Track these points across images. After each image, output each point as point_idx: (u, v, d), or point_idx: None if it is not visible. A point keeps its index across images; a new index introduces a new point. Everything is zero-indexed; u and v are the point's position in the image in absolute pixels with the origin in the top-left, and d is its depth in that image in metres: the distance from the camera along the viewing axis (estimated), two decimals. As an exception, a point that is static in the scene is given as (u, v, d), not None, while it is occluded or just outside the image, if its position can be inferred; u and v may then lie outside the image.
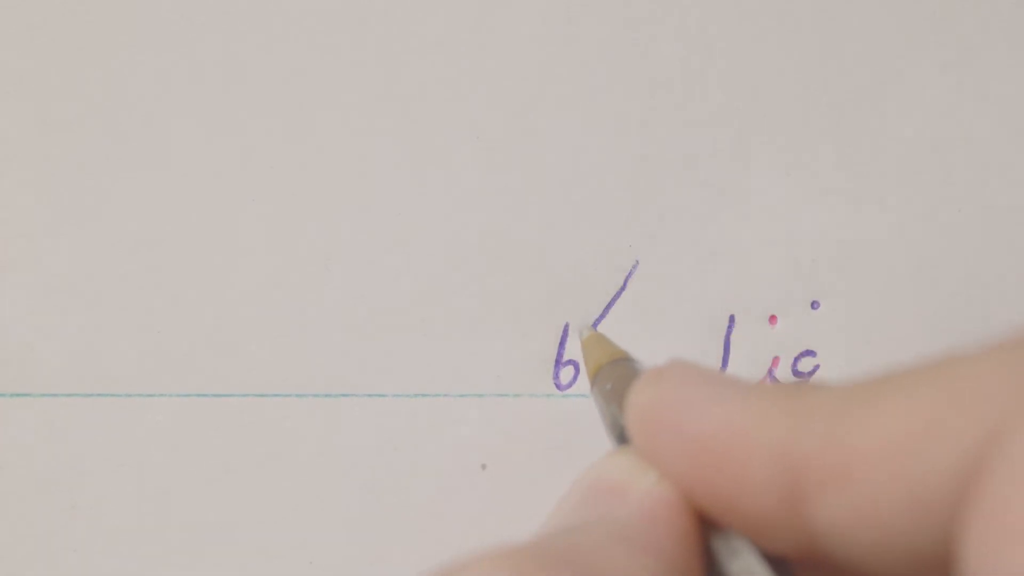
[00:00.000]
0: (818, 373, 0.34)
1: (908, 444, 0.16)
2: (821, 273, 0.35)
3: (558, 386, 0.34)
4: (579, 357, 0.34)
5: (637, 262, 0.35)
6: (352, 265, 0.35)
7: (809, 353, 0.35)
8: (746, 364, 0.34)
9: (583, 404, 0.35)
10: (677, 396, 0.20)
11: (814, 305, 0.34)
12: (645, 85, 0.35)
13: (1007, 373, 0.15)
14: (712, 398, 0.19)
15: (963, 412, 0.15)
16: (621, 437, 0.24)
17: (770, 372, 0.34)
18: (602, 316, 0.34)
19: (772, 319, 0.35)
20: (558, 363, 0.34)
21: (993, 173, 0.35)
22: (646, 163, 0.35)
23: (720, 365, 0.35)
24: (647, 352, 0.35)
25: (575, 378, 0.34)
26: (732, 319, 0.34)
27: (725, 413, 0.18)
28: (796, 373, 0.35)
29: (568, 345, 0.34)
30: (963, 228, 0.35)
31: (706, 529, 0.19)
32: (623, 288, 0.35)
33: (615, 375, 0.28)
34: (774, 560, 0.19)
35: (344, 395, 0.34)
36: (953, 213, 0.35)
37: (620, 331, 0.34)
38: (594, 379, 0.30)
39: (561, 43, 0.35)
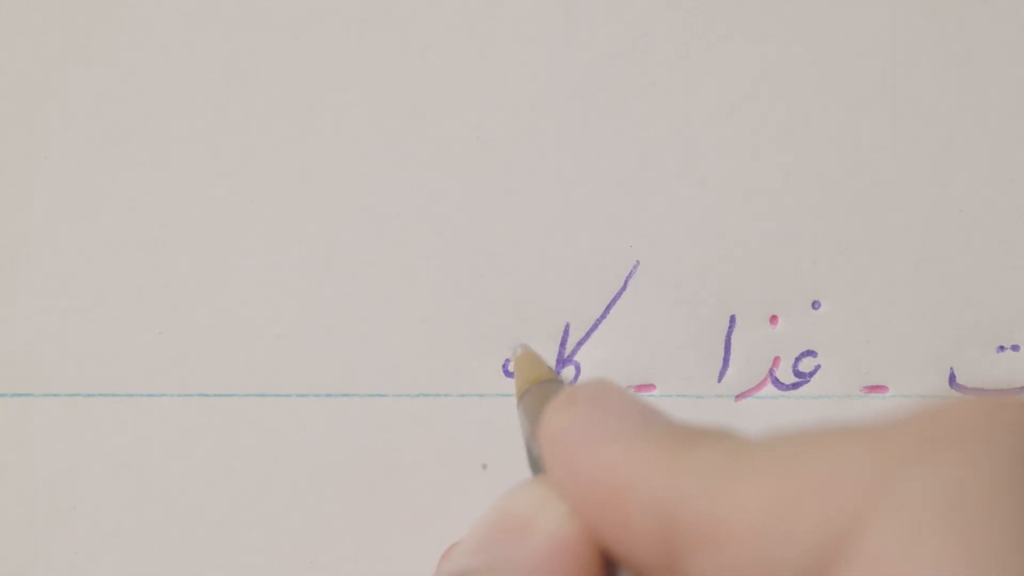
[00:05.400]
0: (819, 373, 0.34)
1: (772, 519, 0.16)
2: (821, 273, 0.34)
3: (558, 386, 0.34)
4: (580, 357, 0.34)
5: (637, 262, 0.35)
6: (352, 265, 0.35)
7: (809, 353, 0.34)
8: (746, 364, 0.34)
9: (583, 404, 0.34)
10: (580, 426, 0.20)
11: (814, 305, 0.34)
12: (645, 85, 0.35)
13: (873, 456, 0.16)
14: (607, 436, 0.19)
15: (828, 492, 0.16)
16: (536, 465, 0.24)
17: (771, 372, 0.34)
18: (602, 316, 0.34)
19: (772, 319, 0.35)
20: (558, 363, 0.34)
21: (993, 173, 0.35)
22: (646, 163, 0.35)
23: (720, 365, 0.35)
24: (647, 352, 0.35)
25: (576, 378, 0.34)
26: (732, 319, 0.34)
27: (614, 455, 0.19)
28: (797, 373, 0.34)
29: (568, 345, 0.34)
30: (963, 228, 0.35)
31: (611, 569, 0.19)
32: (623, 288, 0.35)
33: (541, 397, 0.27)
34: None
35: (344, 395, 0.34)
36: (953, 213, 0.35)
37: (620, 331, 0.34)
38: (520, 400, 0.29)
39: (561, 43, 0.35)
